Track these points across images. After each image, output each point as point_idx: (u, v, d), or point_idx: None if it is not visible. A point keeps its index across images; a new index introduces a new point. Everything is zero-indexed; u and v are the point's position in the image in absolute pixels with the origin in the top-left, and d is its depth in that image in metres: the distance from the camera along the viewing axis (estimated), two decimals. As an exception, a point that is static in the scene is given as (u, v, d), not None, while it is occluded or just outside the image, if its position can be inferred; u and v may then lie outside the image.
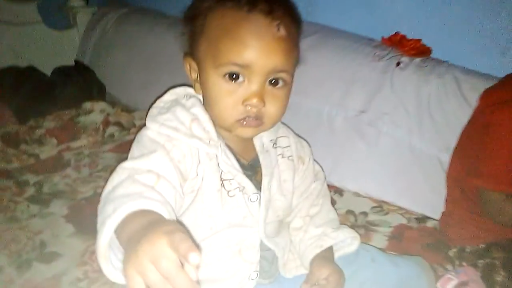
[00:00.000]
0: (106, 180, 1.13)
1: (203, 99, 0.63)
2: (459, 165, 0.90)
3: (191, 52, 0.63)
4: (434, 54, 1.10)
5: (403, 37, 1.11)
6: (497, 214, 0.80)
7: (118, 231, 0.43)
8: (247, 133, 0.61)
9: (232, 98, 0.57)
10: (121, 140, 1.33)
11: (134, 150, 0.58)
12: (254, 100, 0.56)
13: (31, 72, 1.56)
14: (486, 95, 0.88)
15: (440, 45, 1.10)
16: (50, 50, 1.71)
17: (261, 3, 0.57)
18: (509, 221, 0.80)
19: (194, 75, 0.63)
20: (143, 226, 0.40)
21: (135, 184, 0.49)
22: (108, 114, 1.41)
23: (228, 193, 0.61)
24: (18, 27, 1.66)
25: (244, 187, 0.62)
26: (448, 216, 0.92)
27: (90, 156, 1.24)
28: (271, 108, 0.59)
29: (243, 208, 0.62)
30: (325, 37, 1.17)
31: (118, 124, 1.39)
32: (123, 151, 1.25)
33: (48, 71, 1.59)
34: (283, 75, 0.58)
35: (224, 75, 0.57)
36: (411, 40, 1.10)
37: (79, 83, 1.55)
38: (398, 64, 1.07)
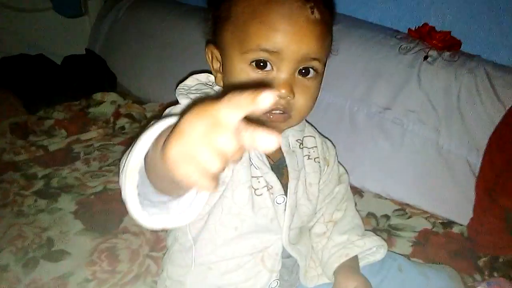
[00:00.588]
0: (116, 174, 1.11)
1: (226, 90, 0.58)
2: (490, 172, 0.85)
3: (214, 39, 0.58)
4: (464, 48, 1.03)
5: (432, 28, 1.04)
6: None
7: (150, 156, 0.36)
8: (274, 128, 0.56)
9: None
10: (132, 133, 1.29)
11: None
12: (283, 91, 0.51)
13: (41, 60, 1.53)
14: None
15: (471, 38, 1.03)
16: (61, 38, 1.68)
17: None
18: None
19: (217, 65, 0.59)
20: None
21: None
22: (119, 106, 1.37)
23: (255, 191, 0.56)
24: (28, 14, 1.62)
25: (272, 187, 0.57)
26: (477, 222, 0.86)
27: (100, 149, 1.21)
28: (300, 100, 0.54)
29: (270, 209, 0.58)
30: (348, 28, 1.10)
31: (129, 116, 1.35)
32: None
33: (58, 60, 1.56)
34: (315, 63, 0.53)
35: (251, 62, 0.52)
36: (440, 32, 1.03)
37: (89, 72, 1.52)
38: (425, 57, 1.00)
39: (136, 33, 1.56)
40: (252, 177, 0.56)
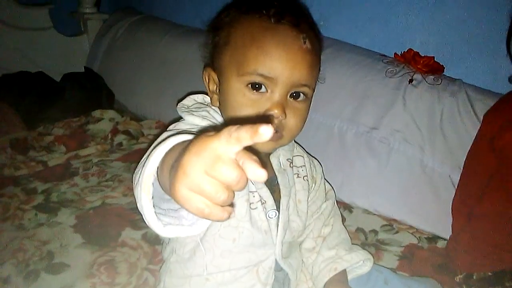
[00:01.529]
0: (114, 189, 1.14)
1: (222, 110, 0.63)
2: (465, 191, 0.89)
3: (212, 62, 0.63)
4: (447, 72, 1.09)
5: (416, 53, 1.10)
6: None
7: (161, 172, 0.38)
8: (266, 146, 0.60)
9: (253, 108, 0.57)
10: (129, 149, 1.33)
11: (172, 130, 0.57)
12: (276, 111, 0.56)
13: (40, 77, 1.56)
14: (490, 117, 0.86)
15: (453, 63, 1.10)
16: (60, 56, 1.72)
17: (288, 15, 0.57)
18: None
19: (213, 87, 0.63)
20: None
21: (187, 135, 0.46)
22: (117, 123, 1.41)
23: (250, 205, 0.60)
24: (29, 32, 1.67)
25: (265, 202, 0.61)
26: (454, 241, 0.90)
27: (98, 164, 1.24)
28: (291, 121, 0.58)
29: (264, 222, 0.61)
30: (338, 51, 1.16)
31: (127, 132, 1.39)
32: (131, 160, 1.25)
33: (57, 77, 1.59)
34: (305, 89, 0.59)
35: (247, 84, 0.57)
36: (424, 57, 1.09)
37: (88, 90, 1.56)
38: (410, 81, 1.06)
39: (134, 52, 1.61)
40: (249, 191, 0.60)
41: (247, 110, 0.57)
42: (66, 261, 0.88)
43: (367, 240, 0.97)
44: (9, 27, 1.63)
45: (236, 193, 0.57)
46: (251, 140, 0.28)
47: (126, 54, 1.63)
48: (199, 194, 0.29)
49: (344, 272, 0.70)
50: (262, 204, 0.61)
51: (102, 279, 0.83)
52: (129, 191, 1.12)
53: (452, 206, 0.92)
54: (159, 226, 0.40)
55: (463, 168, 0.91)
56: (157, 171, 0.40)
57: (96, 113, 1.42)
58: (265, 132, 0.27)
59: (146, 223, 0.41)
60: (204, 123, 0.58)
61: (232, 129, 0.28)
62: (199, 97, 0.67)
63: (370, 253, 0.77)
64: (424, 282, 0.75)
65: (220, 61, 0.60)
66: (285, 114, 0.57)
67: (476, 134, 0.89)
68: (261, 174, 0.28)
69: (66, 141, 1.31)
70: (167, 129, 0.59)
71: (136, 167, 0.50)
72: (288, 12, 0.57)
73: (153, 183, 0.40)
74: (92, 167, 1.22)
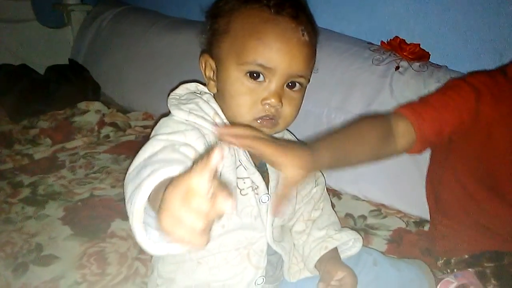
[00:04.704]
0: (102, 181, 1.13)
1: (219, 97, 0.63)
2: (431, 175, 0.92)
3: (210, 49, 0.63)
4: (432, 59, 1.11)
5: (402, 41, 1.12)
6: None
7: (152, 196, 0.41)
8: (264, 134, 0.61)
9: (251, 96, 0.58)
10: (117, 141, 1.32)
11: (161, 130, 0.58)
12: (273, 100, 0.58)
13: (24, 70, 1.54)
14: None
15: (438, 50, 1.11)
16: (44, 48, 1.70)
17: (288, 6, 0.58)
18: None
19: (210, 73, 0.64)
20: None
21: (175, 153, 0.48)
22: (103, 115, 1.39)
23: (240, 191, 0.61)
24: (11, 24, 1.64)
25: (257, 187, 0.62)
26: (432, 227, 0.92)
27: (85, 157, 1.23)
28: (287, 109, 0.60)
29: (254, 208, 0.62)
30: (325, 40, 1.15)
31: (114, 125, 1.38)
32: (118, 152, 1.24)
33: (41, 70, 1.57)
34: (301, 79, 0.60)
35: (246, 73, 0.58)
36: (410, 44, 1.11)
37: (73, 82, 1.54)
38: (397, 68, 1.07)
39: (119, 44, 1.59)
40: (238, 178, 0.61)
41: (245, 98, 0.58)
42: (55, 253, 0.87)
43: (356, 225, 0.98)
44: (-10, 20, 1.60)
45: (224, 176, 0.58)
46: (208, 166, 0.32)
47: (111, 45, 1.61)
48: (179, 225, 0.33)
49: (335, 250, 0.71)
50: (253, 189, 0.62)
51: (92, 269, 0.83)
52: (117, 182, 1.11)
53: (426, 195, 0.94)
54: (150, 244, 0.42)
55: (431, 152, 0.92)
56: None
57: (82, 105, 1.41)
58: (215, 156, 0.32)
59: (138, 242, 0.43)
60: (190, 117, 0.58)
61: (195, 168, 0.33)
62: (192, 86, 0.68)
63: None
64: (412, 263, 0.77)
65: (219, 49, 0.61)
66: (282, 103, 0.58)
67: None
68: (228, 206, 0.32)
69: (52, 134, 1.30)
70: (156, 131, 0.59)
71: (132, 161, 0.50)
72: (288, 4, 0.59)
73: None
74: (79, 159, 1.21)
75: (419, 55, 1.09)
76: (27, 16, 1.66)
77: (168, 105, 0.61)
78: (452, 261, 0.83)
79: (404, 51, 1.10)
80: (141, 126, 1.40)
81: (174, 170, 0.41)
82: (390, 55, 1.10)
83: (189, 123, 0.58)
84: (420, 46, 1.10)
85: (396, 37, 1.12)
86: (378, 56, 1.10)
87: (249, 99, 0.58)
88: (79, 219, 0.97)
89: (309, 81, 0.63)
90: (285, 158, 0.51)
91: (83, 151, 1.26)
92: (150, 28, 1.52)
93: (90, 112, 1.39)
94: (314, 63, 0.64)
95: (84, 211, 1.00)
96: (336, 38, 1.18)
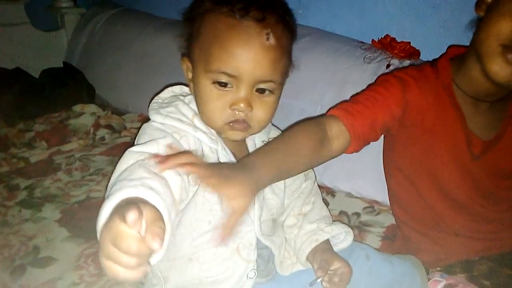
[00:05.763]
0: (98, 183, 1.13)
1: (196, 100, 0.64)
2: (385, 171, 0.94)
3: (188, 53, 0.64)
4: (422, 57, 1.12)
5: (393, 39, 1.13)
6: None
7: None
8: (236, 136, 0.63)
9: (220, 102, 0.60)
10: (112, 143, 1.33)
11: (140, 139, 0.60)
12: (241, 105, 0.59)
13: (18, 74, 1.54)
14: None
15: (428, 48, 1.12)
16: (38, 51, 1.70)
17: (254, 9, 0.58)
18: None
19: (190, 75, 0.65)
20: None
21: (140, 169, 0.49)
22: (98, 117, 1.40)
23: None
24: (5, 27, 1.64)
25: None
26: (401, 232, 0.93)
27: (81, 159, 1.24)
28: (258, 112, 0.61)
29: None
30: (317, 39, 1.18)
31: (109, 127, 1.39)
32: (114, 154, 1.25)
33: (35, 73, 1.57)
34: (269, 85, 0.60)
35: (213, 82, 0.59)
36: (400, 42, 1.12)
37: (68, 85, 1.54)
38: (388, 66, 1.08)
39: (113, 46, 1.59)
40: None
41: (215, 104, 0.60)
42: (52, 254, 0.88)
43: (350, 222, 1.00)
44: (-17, 24, 1.60)
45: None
46: (126, 224, 0.36)
47: (105, 48, 1.62)
48: (113, 264, 0.37)
49: (327, 242, 0.72)
50: None
51: (90, 270, 0.84)
52: (114, 184, 1.12)
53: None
54: None
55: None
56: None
57: (77, 108, 1.41)
58: (130, 216, 0.36)
59: None
60: (167, 120, 0.60)
61: (125, 210, 0.36)
62: (176, 88, 0.69)
63: (354, 235, 0.78)
64: (405, 258, 0.78)
65: (192, 53, 0.63)
66: (251, 107, 0.60)
67: None
68: (155, 246, 0.36)
69: (47, 136, 1.30)
70: (137, 139, 0.61)
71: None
72: (254, 6, 0.58)
73: None
74: (75, 162, 1.22)
75: (409, 53, 1.11)
76: (21, 19, 1.66)
77: (148, 110, 0.63)
78: (430, 270, 0.83)
79: (394, 49, 1.11)
80: (136, 128, 1.40)
81: (130, 192, 0.44)
82: (381, 53, 1.12)
83: (165, 128, 0.59)
84: (411, 44, 1.12)
85: (387, 35, 1.14)
86: (369, 55, 1.12)
87: (218, 105, 0.59)
88: (76, 221, 0.98)
89: (282, 84, 0.63)
90: (227, 189, 0.50)
91: (79, 154, 1.26)
92: (144, 30, 1.52)
93: (85, 115, 1.40)
94: (287, 64, 0.64)
95: (80, 213, 1.01)
96: (328, 38, 1.19)
